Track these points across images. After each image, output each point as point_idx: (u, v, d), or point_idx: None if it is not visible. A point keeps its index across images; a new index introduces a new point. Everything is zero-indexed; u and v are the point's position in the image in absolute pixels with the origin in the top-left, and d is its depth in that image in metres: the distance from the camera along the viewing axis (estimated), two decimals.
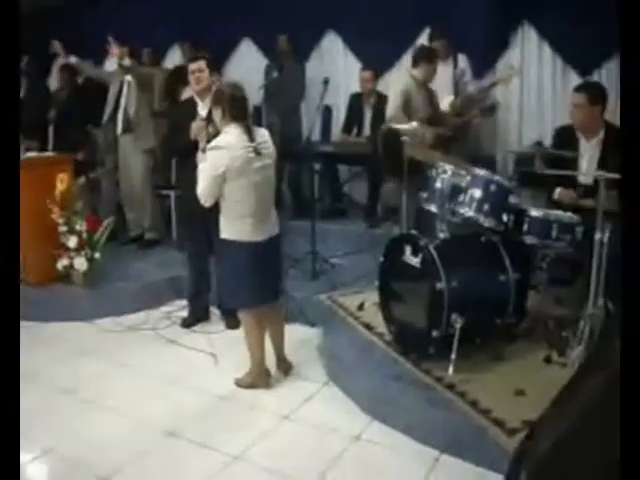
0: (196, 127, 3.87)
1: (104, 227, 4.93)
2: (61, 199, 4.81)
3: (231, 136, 3.20)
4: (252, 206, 3.25)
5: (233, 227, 3.27)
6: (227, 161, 3.14)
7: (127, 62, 5.36)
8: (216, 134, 3.37)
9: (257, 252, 3.29)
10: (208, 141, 3.39)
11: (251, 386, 3.53)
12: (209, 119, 3.97)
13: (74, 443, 3.07)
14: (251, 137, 3.23)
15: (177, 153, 4.46)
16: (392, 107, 4.77)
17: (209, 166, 3.18)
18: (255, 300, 3.40)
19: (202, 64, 4.16)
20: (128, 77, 5.56)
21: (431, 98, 4.90)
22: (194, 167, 4.04)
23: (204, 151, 3.37)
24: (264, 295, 3.43)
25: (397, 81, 4.94)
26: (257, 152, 3.24)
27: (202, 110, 4.15)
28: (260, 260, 3.32)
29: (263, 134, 3.37)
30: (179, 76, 6.04)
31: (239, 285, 3.33)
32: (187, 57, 6.47)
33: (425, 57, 4.83)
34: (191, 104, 4.24)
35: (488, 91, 5.40)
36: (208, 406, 3.40)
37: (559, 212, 3.47)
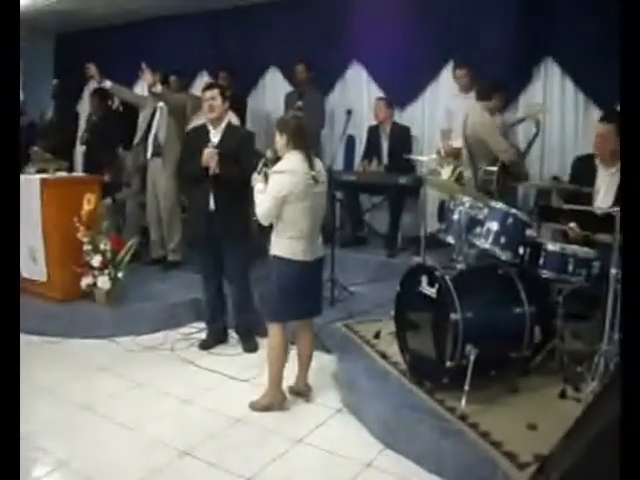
0: (208, 154, 4.08)
1: (128, 247, 5.03)
2: (87, 218, 4.94)
3: (294, 162, 3.40)
4: (306, 228, 3.44)
5: (286, 246, 3.44)
6: (290, 185, 3.34)
7: (158, 89, 5.51)
8: (276, 159, 3.55)
9: (305, 270, 3.49)
10: (266, 164, 3.57)
11: (266, 409, 3.57)
12: (219, 147, 4.14)
13: (89, 458, 3.12)
14: (311, 165, 3.44)
15: (188, 178, 4.56)
16: (504, 149, 4.74)
17: (273, 188, 3.37)
18: (297, 313, 3.58)
19: (215, 92, 4.28)
20: (161, 103, 5.72)
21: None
22: (204, 192, 4.18)
23: (259, 173, 3.54)
24: (306, 309, 3.62)
25: (482, 119, 4.89)
26: (315, 179, 3.44)
27: (214, 137, 4.27)
28: (307, 278, 3.52)
29: (319, 163, 3.56)
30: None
31: (285, 298, 3.49)
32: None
33: (496, 90, 4.98)
34: (203, 131, 4.36)
35: (514, 126, 5.43)
36: (222, 427, 3.44)
37: (575, 247, 3.49)
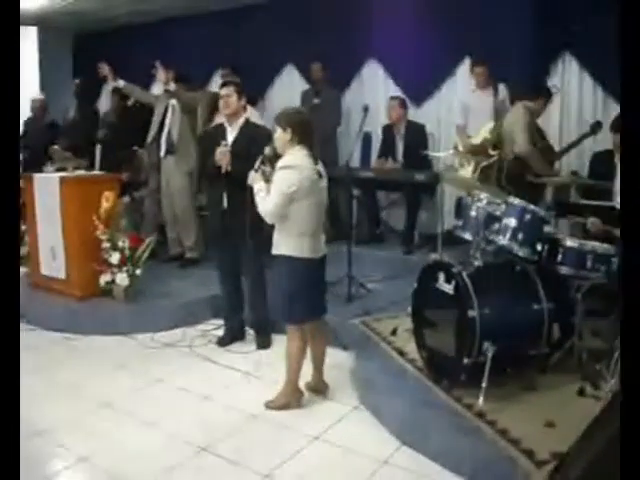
0: (220, 153, 4.08)
1: (146, 245, 5.07)
2: (106, 216, 4.97)
3: (299, 157, 3.34)
4: (312, 225, 3.40)
5: (292, 244, 3.39)
6: (297, 181, 3.28)
7: (172, 87, 5.54)
8: (276, 155, 3.51)
9: (312, 268, 3.44)
10: (263, 162, 3.53)
11: (283, 407, 3.57)
12: (235, 144, 4.15)
13: (108, 454, 3.15)
14: (315, 160, 3.39)
15: (207, 176, 4.57)
16: (522, 144, 4.82)
17: (281, 185, 3.30)
18: (311, 313, 3.53)
19: (231, 89, 4.27)
20: (173, 101, 5.75)
21: (541, 134, 5.10)
22: (218, 190, 4.19)
23: (257, 171, 3.50)
24: (318, 309, 3.59)
25: (516, 116, 4.98)
26: (319, 174, 3.40)
27: (230, 135, 4.27)
28: (314, 276, 3.49)
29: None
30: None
31: (296, 299, 3.45)
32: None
33: (539, 92, 5.05)
34: (220, 129, 4.38)
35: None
36: (240, 424, 3.45)
37: (594, 243, 3.45)
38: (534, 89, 5.08)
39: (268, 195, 3.36)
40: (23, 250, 6.13)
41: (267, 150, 3.59)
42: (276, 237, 3.46)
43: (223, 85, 4.38)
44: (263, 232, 4.35)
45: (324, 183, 3.47)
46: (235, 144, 4.21)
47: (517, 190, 4.02)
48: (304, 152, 3.36)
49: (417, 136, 6.18)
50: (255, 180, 3.49)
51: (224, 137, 4.27)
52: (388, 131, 6.39)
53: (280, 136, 3.41)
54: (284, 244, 3.41)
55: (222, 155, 4.11)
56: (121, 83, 5.95)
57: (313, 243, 3.42)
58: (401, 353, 3.88)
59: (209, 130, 4.73)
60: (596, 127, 4.91)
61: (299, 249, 3.38)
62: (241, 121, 4.32)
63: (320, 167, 3.44)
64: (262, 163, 3.52)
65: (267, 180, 3.43)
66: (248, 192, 4.02)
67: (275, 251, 3.47)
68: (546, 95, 5.10)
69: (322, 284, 3.63)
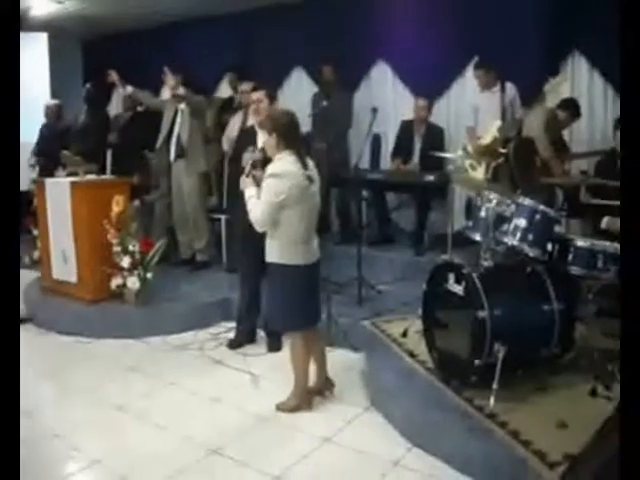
0: (244, 158, 3.93)
1: (156, 248, 5.09)
2: (117, 220, 4.99)
3: (287, 163, 3.27)
4: (304, 231, 3.34)
5: (285, 252, 3.34)
6: (287, 189, 3.21)
7: (181, 91, 5.56)
8: (265, 160, 3.44)
9: (305, 275, 3.39)
10: (254, 166, 3.45)
11: (293, 410, 3.56)
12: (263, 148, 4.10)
13: (121, 456, 3.17)
14: (304, 164, 3.32)
15: (231, 180, 4.54)
16: (537, 130, 4.94)
17: (269, 193, 3.23)
18: (307, 321, 3.49)
19: (262, 94, 4.23)
20: (182, 105, 5.77)
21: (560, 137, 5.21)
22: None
23: (248, 176, 3.44)
24: (312, 317, 3.55)
25: (541, 111, 5.13)
26: (310, 179, 3.33)
27: (261, 139, 4.26)
28: (308, 283, 3.43)
29: (310, 161, 3.43)
30: (230, 106, 6.28)
31: (291, 308, 3.42)
32: (234, 86, 6.67)
33: (569, 107, 5.18)
34: (252, 133, 4.32)
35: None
36: (251, 426, 3.46)
37: (605, 242, 3.43)
38: (563, 103, 5.20)
39: (259, 201, 3.31)
40: (36, 255, 6.20)
41: (257, 154, 3.55)
42: (268, 245, 3.41)
43: (254, 89, 4.33)
44: None
45: (315, 188, 3.40)
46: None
47: (528, 190, 4.02)
48: (292, 157, 3.29)
49: (436, 138, 6.17)
50: (246, 185, 3.42)
51: (254, 142, 4.19)
52: (406, 128, 6.35)
53: (266, 140, 3.35)
54: (276, 252, 3.37)
55: (245, 160, 4.01)
56: (129, 89, 5.99)
57: (305, 249, 3.37)
58: (412, 355, 3.87)
59: (242, 134, 4.66)
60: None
61: (291, 256, 3.34)
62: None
63: (311, 172, 3.36)
64: (253, 168, 3.44)
65: (259, 185, 3.35)
66: None
67: (268, 259, 3.42)
68: (574, 110, 5.17)
69: (317, 290, 3.57)
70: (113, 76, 6.02)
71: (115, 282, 4.97)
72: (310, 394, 3.64)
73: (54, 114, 7.60)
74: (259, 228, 3.35)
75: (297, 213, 3.29)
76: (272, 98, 4.28)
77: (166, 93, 6.42)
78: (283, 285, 3.40)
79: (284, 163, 3.27)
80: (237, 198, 4.53)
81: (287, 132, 3.30)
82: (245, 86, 4.18)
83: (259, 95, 4.24)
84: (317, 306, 3.59)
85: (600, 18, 5.37)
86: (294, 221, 3.29)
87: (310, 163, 3.40)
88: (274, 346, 4.45)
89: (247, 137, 4.37)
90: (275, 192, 3.22)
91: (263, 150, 3.50)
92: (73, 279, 5.12)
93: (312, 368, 3.67)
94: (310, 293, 3.48)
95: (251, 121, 4.57)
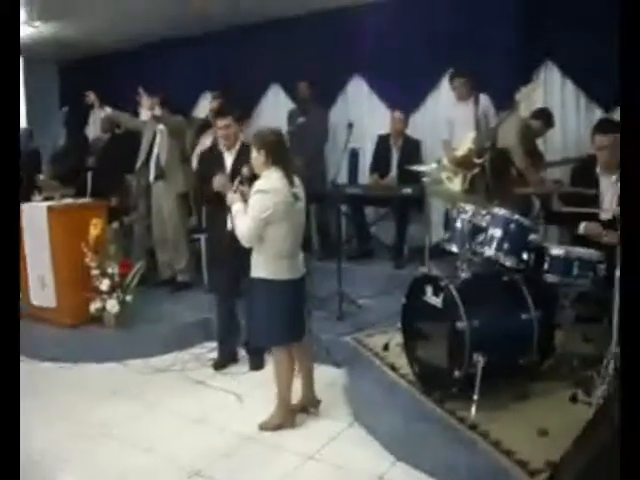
0: (218, 182, 4.00)
1: (135, 270, 5.06)
2: (95, 243, 4.95)
3: (274, 180, 3.31)
4: (289, 247, 3.38)
5: (270, 267, 3.37)
6: (273, 205, 3.26)
7: (158, 112, 5.56)
8: (252, 177, 3.49)
9: (290, 290, 3.42)
10: (241, 182, 3.51)
11: (277, 428, 3.55)
12: (234, 169, 4.12)
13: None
14: (291, 181, 3.37)
15: (206, 201, 4.55)
16: (511, 140, 5.02)
17: (255, 209, 3.27)
18: (291, 336, 3.51)
19: (229, 120, 4.26)
20: (160, 126, 5.77)
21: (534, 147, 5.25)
22: (222, 212, 4.19)
23: (235, 191, 3.49)
24: (298, 331, 3.56)
25: (514, 120, 5.13)
26: (295, 196, 3.37)
27: (227, 159, 4.29)
28: (293, 297, 3.46)
29: (296, 179, 3.47)
30: (209, 126, 6.27)
31: (276, 323, 3.43)
32: (213, 106, 6.66)
33: (542, 116, 5.23)
34: (217, 154, 4.36)
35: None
36: (234, 446, 3.43)
37: (580, 249, 3.47)
38: (537, 112, 5.23)
39: (245, 216, 3.35)
40: None
41: (245, 170, 3.59)
42: (254, 260, 3.44)
43: (221, 115, 4.31)
44: None
45: (301, 205, 3.45)
46: (234, 168, 4.15)
47: (504, 200, 4.05)
48: (279, 174, 3.33)
49: (413, 151, 6.22)
50: (234, 201, 3.47)
51: (222, 162, 4.26)
52: (383, 142, 6.41)
53: (255, 157, 3.39)
54: (262, 267, 3.39)
55: (221, 184, 3.99)
56: (108, 110, 5.98)
57: (291, 264, 3.41)
58: (393, 368, 3.87)
59: (206, 155, 4.67)
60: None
61: (277, 271, 3.37)
62: (238, 145, 4.32)
63: (297, 189, 3.41)
64: (240, 183, 3.51)
65: (246, 200, 3.40)
66: None
67: (253, 274, 3.44)
68: (547, 120, 5.23)
69: (302, 304, 3.60)
70: (92, 97, 6.00)
71: (94, 306, 4.93)
72: (294, 411, 3.63)
73: (24, 138, 7.55)
74: (245, 243, 3.38)
75: (283, 229, 3.32)
76: (239, 121, 4.28)
77: (143, 114, 6.43)
78: (269, 300, 3.41)
79: (271, 180, 3.32)
80: (211, 218, 4.55)
81: (275, 149, 3.36)
82: (214, 104, 4.19)
83: (227, 121, 4.25)
84: (302, 320, 3.61)
85: (572, 27, 5.48)
86: (279, 237, 3.33)
87: (297, 180, 3.45)
88: (256, 364, 4.43)
89: (213, 157, 4.38)
90: (261, 208, 3.26)
91: (250, 166, 3.53)
92: (52, 304, 5.07)
93: (297, 385, 3.66)
94: (295, 307, 3.50)
95: (209, 138, 4.57)
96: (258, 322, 3.55)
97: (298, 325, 3.56)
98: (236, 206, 3.43)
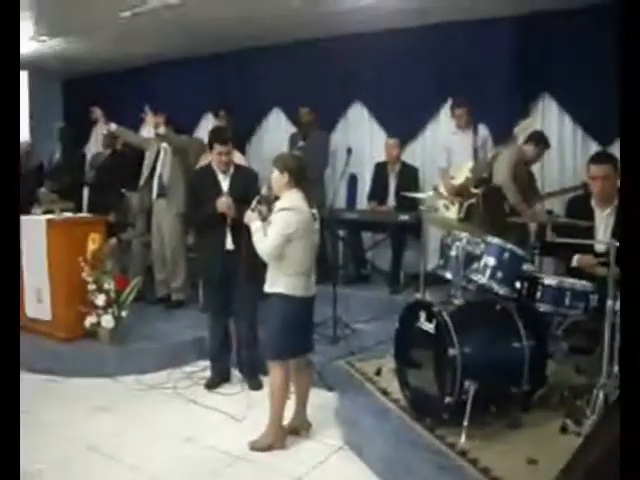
0: (222, 204, 4.15)
1: (132, 286, 5.08)
2: (92, 258, 4.98)
3: (296, 200, 3.47)
4: (307, 264, 3.51)
5: (289, 283, 3.47)
6: (295, 222, 3.39)
7: (162, 130, 5.61)
8: (272, 197, 3.62)
9: (304, 306, 3.55)
10: (259, 202, 3.61)
11: (267, 448, 3.55)
12: (231, 190, 4.25)
13: None
14: (310, 202, 3.52)
15: (202, 221, 4.52)
16: (503, 177, 5.06)
17: (280, 225, 3.40)
18: (297, 350, 3.61)
19: (230, 147, 4.33)
20: (164, 144, 5.83)
21: (529, 177, 5.26)
22: (220, 233, 4.23)
23: (253, 210, 3.58)
24: (305, 345, 3.68)
25: (507, 154, 5.21)
26: (314, 217, 3.53)
27: (223, 182, 4.35)
28: (305, 314, 3.59)
29: (312, 202, 3.61)
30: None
31: (287, 336, 3.52)
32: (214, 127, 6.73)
33: (536, 140, 5.16)
34: (211, 175, 4.39)
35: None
36: (224, 465, 3.43)
37: (573, 280, 3.50)
38: (531, 136, 5.20)
39: (265, 235, 3.46)
40: None
41: (264, 190, 3.73)
42: (271, 276, 3.54)
43: (221, 142, 4.31)
44: (263, 273, 4.36)
45: (317, 225, 3.60)
46: (232, 190, 4.29)
47: (500, 229, 4.11)
48: (300, 194, 3.50)
49: (410, 178, 6.28)
50: (252, 220, 3.59)
51: (216, 184, 4.33)
52: (381, 170, 6.47)
53: (277, 178, 3.53)
54: (281, 283, 3.50)
55: (225, 206, 4.15)
56: (113, 127, 6.02)
57: (307, 282, 3.53)
58: (385, 393, 3.88)
59: (199, 175, 4.71)
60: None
61: (295, 288, 3.48)
62: (232, 168, 4.39)
63: (314, 210, 3.57)
64: (259, 203, 3.62)
65: (264, 219, 3.53)
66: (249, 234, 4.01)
67: (270, 289, 3.55)
68: (542, 142, 5.22)
69: (311, 321, 3.74)
70: (97, 113, 6.06)
71: (89, 320, 4.94)
72: (285, 432, 3.64)
73: (24, 152, 7.61)
74: (267, 260, 3.49)
75: (302, 247, 3.46)
76: (238, 146, 4.36)
77: (145, 132, 6.49)
78: (284, 314, 3.50)
79: (293, 199, 3.47)
80: (204, 238, 4.56)
81: (298, 172, 3.52)
82: (224, 148, 4.28)
83: (227, 148, 4.30)
84: (310, 336, 3.74)
85: (569, 60, 5.60)
86: (299, 254, 3.45)
87: (313, 202, 3.58)
88: (255, 385, 4.44)
89: (206, 178, 4.42)
90: (286, 225, 3.39)
91: (269, 187, 3.67)
92: (47, 317, 5.07)
93: (290, 406, 3.68)
94: (305, 324, 3.63)
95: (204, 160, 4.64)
96: (272, 335, 3.60)
97: (307, 340, 3.69)
98: (255, 224, 3.55)
